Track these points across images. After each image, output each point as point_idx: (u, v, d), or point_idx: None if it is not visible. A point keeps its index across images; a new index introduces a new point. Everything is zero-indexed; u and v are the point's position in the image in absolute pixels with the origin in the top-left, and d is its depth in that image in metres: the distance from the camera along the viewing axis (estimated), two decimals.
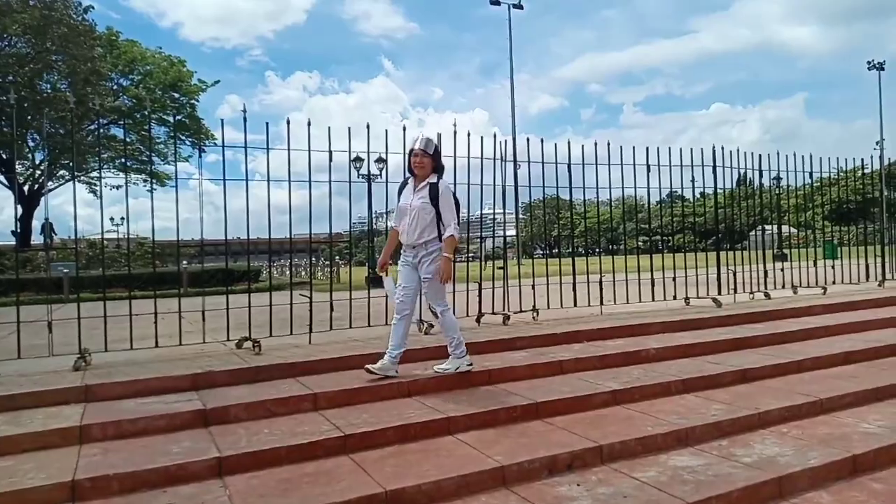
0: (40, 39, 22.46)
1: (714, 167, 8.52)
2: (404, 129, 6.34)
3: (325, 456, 3.55)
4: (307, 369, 4.84)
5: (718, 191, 8.74)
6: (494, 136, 6.99)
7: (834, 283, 9.59)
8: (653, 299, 7.85)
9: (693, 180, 8.28)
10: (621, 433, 3.81)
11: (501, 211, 8.36)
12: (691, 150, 8.29)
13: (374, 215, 19.73)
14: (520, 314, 6.87)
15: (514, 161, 7.82)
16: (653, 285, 7.92)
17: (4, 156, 24.66)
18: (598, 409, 4.33)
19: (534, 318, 6.85)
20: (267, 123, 5.98)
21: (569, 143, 7.38)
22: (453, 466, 3.35)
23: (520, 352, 5.47)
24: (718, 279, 8.59)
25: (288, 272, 18.73)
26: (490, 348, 5.52)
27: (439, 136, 6.52)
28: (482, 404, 4.19)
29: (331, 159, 6.04)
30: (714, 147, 8.58)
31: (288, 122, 5.87)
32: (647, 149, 7.79)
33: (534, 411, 4.18)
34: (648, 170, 7.75)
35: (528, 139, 7.20)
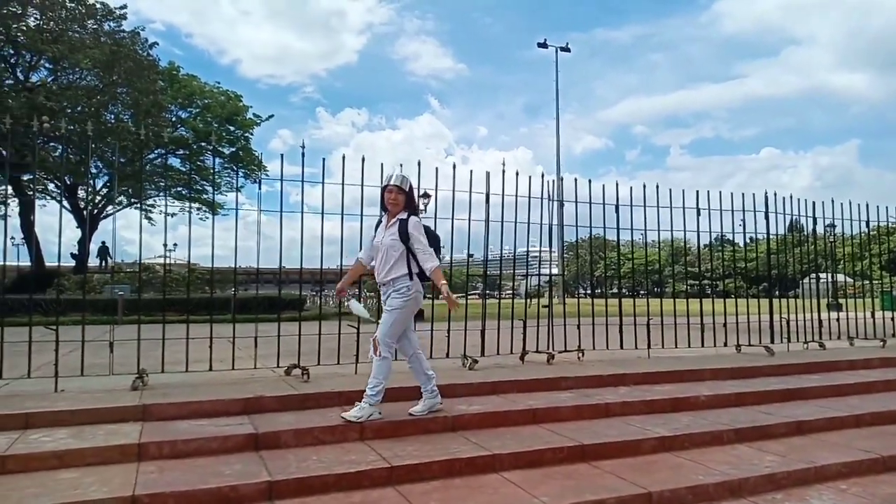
0: (108, 73, 23.74)
1: (766, 213, 8.39)
2: (454, 166, 6.50)
3: (371, 486, 3.57)
4: (354, 398, 4.88)
5: (771, 236, 8.57)
6: (542, 175, 7.04)
7: (894, 335, 9.21)
8: (702, 345, 7.68)
9: (743, 224, 8.17)
10: (671, 481, 3.74)
11: (545, 249, 8.38)
12: (742, 194, 8.19)
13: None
14: (564, 354, 6.81)
15: (560, 200, 7.86)
16: (702, 330, 7.76)
17: (69, 181, 25.96)
18: (647, 455, 4.25)
19: (579, 358, 6.79)
20: (324, 159, 6.23)
21: (616, 184, 7.42)
22: None
23: (564, 392, 5.42)
24: (771, 327, 8.37)
25: (334, 302, 18.99)
26: (534, 387, 5.49)
27: (488, 174, 6.66)
28: (528, 443, 4.17)
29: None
30: (766, 193, 8.46)
31: (343, 158, 6.10)
32: (697, 192, 7.74)
33: (580, 453, 4.13)
34: (698, 213, 7.68)
35: (575, 179, 7.28)
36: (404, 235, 4.35)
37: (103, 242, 26.12)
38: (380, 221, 4.63)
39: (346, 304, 4.84)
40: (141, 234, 6.05)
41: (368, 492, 3.52)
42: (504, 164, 6.66)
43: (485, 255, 6.75)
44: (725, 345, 7.71)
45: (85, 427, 4.04)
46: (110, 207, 24.98)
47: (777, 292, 9.11)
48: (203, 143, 26.64)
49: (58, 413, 4.13)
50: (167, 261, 15.91)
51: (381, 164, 6.17)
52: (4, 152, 8.24)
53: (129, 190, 25.23)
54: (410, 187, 4.53)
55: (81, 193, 26.43)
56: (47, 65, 23.72)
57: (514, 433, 4.43)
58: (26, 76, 23.46)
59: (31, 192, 24.90)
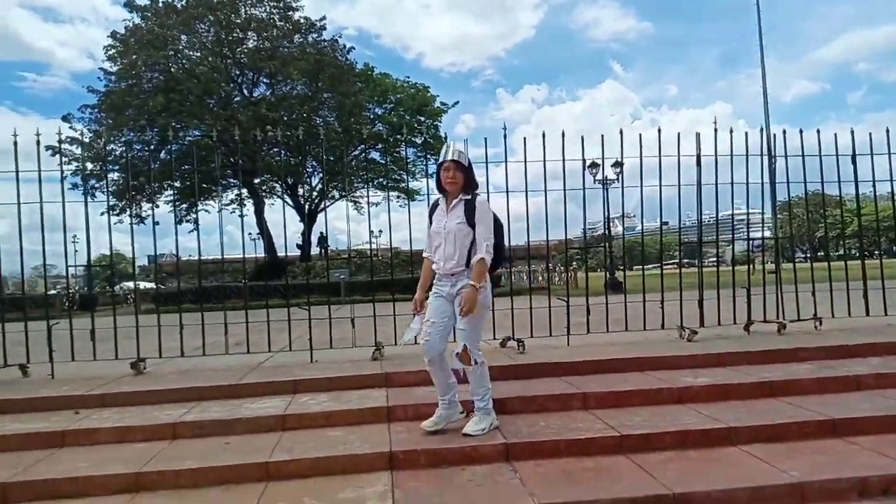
0: (314, 81, 26.41)
1: None
2: (640, 136, 6.20)
3: (601, 453, 3.63)
4: (570, 369, 4.98)
5: None
6: (746, 133, 6.39)
7: None
8: None
9: None
10: None
11: (754, 210, 7.66)
12: None
13: (608, 218, 19.41)
14: (797, 323, 6.22)
15: (771, 155, 7.10)
16: None
17: (291, 180, 29.45)
18: None
19: (816, 327, 6.16)
20: (505, 136, 6.25)
21: (835, 135, 6.52)
22: (743, 477, 3.20)
23: (803, 364, 4.97)
24: None
25: (526, 278, 19.31)
26: (765, 359, 5.11)
27: (678, 135, 6.24)
28: (767, 417, 3.92)
29: (564, 167, 6.17)
30: None
31: (525, 141, 6.21)
32: None
33: (830, 428, 3.79)
34: None
35: (784, 131, 6.46)
36: (472, 217, 3.74)
37: (321, 233, 29.25)
38: (435, 205, 4.00)
39: (414, 318, 4.01)
40: (349, 223, 6.80)
41: (599, 458, 3.58)
42: (715, 122, 6.20)
43: (699, 219, 6.36)
44: None
45: (341, 392, 4.64)
46: (325, 202, 27.78)
47: None
48: (398, 136, 28.42)
49: (318, 380, 4.80)
50: (373, 245, 17.28)
51: (563, 133, 6.12)
52: (239, 160, 9.49)
53: (339, 184, 27.85)
54: (469, 163, 3.89)
55: (301, 191, 29.85)
56: (265, 80, 26.99)
57: (749, 406, 4.18)
58: (250, 92, 26.93)
59: (261, 193, 28.70)
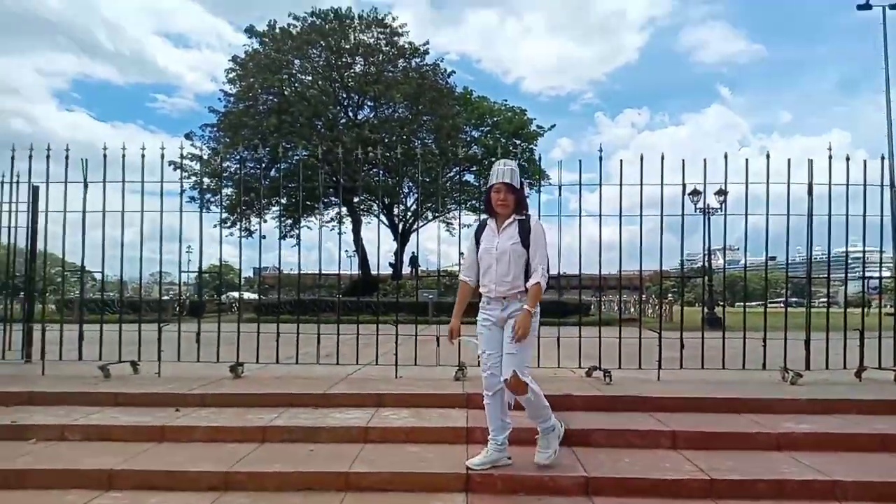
0: (415, 104, 27.24)
1: None
2: (746, 161, 5.88)
3: (688, 496, 3.45)
4: (659, 405, 4.78)
5: None
6: (882, 158, 5.93)
7: None
8: None
9: None
10: None
11: (873, 249, 7.04)
12: None
13: (709, 250, 18.50)
14: None
15: (893, 185, 6.53)
16: None
17: (387, 200, 30.34)
18: None
19: None
20: (600, 158, 6.14)
21: None
22: None
23: None
24: None
25: (616, 308, 18.76)
26: (878, 409, 4.69)
27: (788, 161, 5.88)
28: (878, 473, 3.57)
29: (662, 193, 5.96)
30: None
31: (621, 163, 6.05)
32: None
33: None
34: None
35: None
36: (527, 238, 3.57)
37: (413, 253, 29.87)
38: (482, 226, 3.81)
39: (463, 343, 3.96)
40: (439, 244, 6.90)
41: (686, 502, 3.40)
42: (830, 149, 5.80)
43: (808, 255, 5.92)
44: None
45: (422, 409, 4.69)
46: (418, 222, 28.42)
47: None
48: (493, 158, 28.67)
49: (401, 396, 4.88)
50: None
51: (662, 156, 5.92)
52: (340, 179, 9.93)
53: (432, 205, 28.39)
54: (522, 184, 3.76)
55: (396, 211, 30.67)
56: (369, 103, 28.10)
57: (860, 459, 3.83)
58: (355, 114, 28.13)
59: (359, 211, 29.73)
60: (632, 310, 23.15)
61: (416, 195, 28.72)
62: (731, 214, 6.23)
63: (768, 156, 5.89)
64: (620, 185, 6.02)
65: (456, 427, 4.24)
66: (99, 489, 3.50)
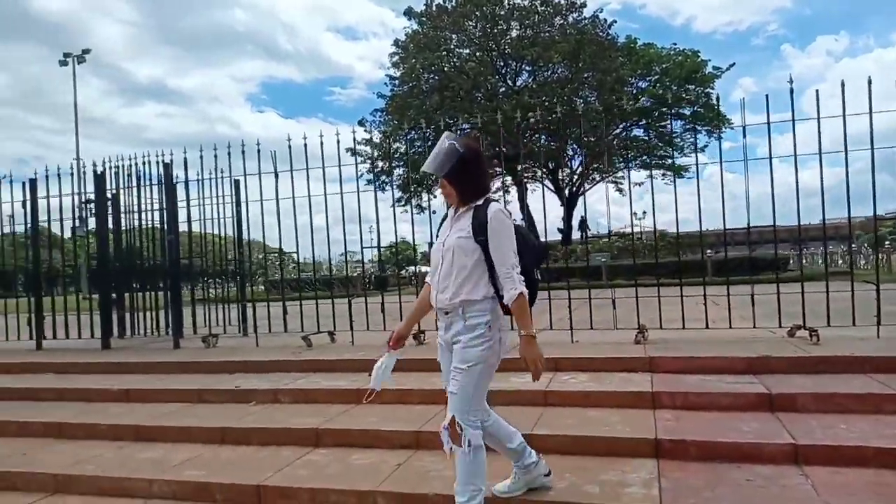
0: (574, 62, 26.30)
1: None
2: None
3: None
4: (882, 366, 4.16)
5: None
6: None
7: None
8: None
9: None
10: None
11: None
12: None
13: None
14: None
15: None
16: None
17: (551, 165, 29.87)
18: None
19: None
20: (791, 91, 5.39)
21: None
22: None
23: None
24: None
25: (822, 261, 16.74)
26: None
27: None
28: None
29: (871, 124, 5.06)
30: None
31: (817, 94, 5.26)
32: None
33: None
34: None
35: None
36: (482, 231, 2.56)
37: (582, 216, 29.15)
38: (445, 217, 2.89)
39: (377, 367, 3.05)
40: (608, 205, 6.58)
41: None
42: None
43: None
44: None
45: (601, 374, 4.56)
46: (586, 184, 27.64)
47: None
48: (664, 109, 26.86)
49: (579, 360, 4.78)
50: (640, 229, 16.62)
51: (869, 80, 5.02)
52: (502, 148, 9.93)
53: (600, 165, 27.41)
54: (463, 164, 2.59)
55: (560, 175, 30.11)
56: (527, 67, 27.72)
57: None
58: (513, 81, 27.92)
59: (524, 179, 29.63)
60: (839, 262, 20.66)
61: (581, 157, 27.95)
62: None
63: None
64: (818, 118, 5.28)
65: (639, 391, 4.05)
66: (308, 446, 3.89)
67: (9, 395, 5.47)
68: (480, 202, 2.62)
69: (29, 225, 7.64)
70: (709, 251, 15.24)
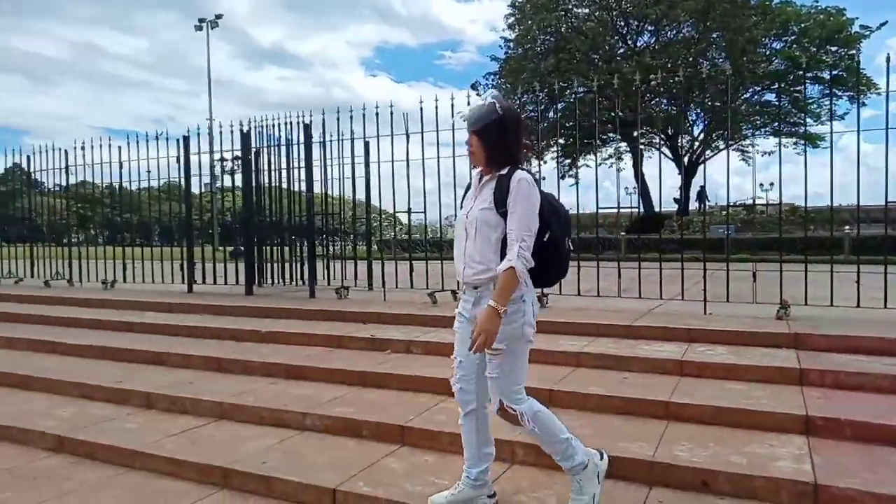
0: (702, 21, 24.62)
1: None
2: None
3: None
4: None
5: None
6: None
7: None
8: None
9: None
10: None
11: None
12: None
13: None
14: None
15: None
16: None
17: (670, 131, 28.43)
18: None
19: None
20: None
21: None
22: None
23: None
24: None
25: None
26: None
27: None
28: None
29: None
30: None
31: None
32: None
33: None
34: None
35: None
36: (504, 202, 2.43)
37: (701, 186, 27.60)
38: (469, 187, 2.73)
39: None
40: (729, 175, 6.28)
41: None
42: None
43: None
44: None
45: (739, 347, 4.42)
46: (707, 152, 26.13)
47: None
48: (799, 72, 24.69)
49: (715, 332, 4.65)
50: (766, 201, 15.60)
51: None
52: (618, 113, 9.55)
53: (724, 132, 25.78)
54: (500, 126, 2.48)
55: (680, 142, 28.61)
56: (650, 27, 26.34)
57: None
58: (634, 42, 26.67)
59: (640, 145, 28.47)
60: None
61: (703, 123, 26.38)
62: None
63: None
64: None
65: (785, 367, 3.90)
66: (444, 395, 4.08)
67: (171, 331, 6.13)
68: (505, 171, 2.48)
69: (182, 179, 8.40)
70: (846, 227, 14.02)
